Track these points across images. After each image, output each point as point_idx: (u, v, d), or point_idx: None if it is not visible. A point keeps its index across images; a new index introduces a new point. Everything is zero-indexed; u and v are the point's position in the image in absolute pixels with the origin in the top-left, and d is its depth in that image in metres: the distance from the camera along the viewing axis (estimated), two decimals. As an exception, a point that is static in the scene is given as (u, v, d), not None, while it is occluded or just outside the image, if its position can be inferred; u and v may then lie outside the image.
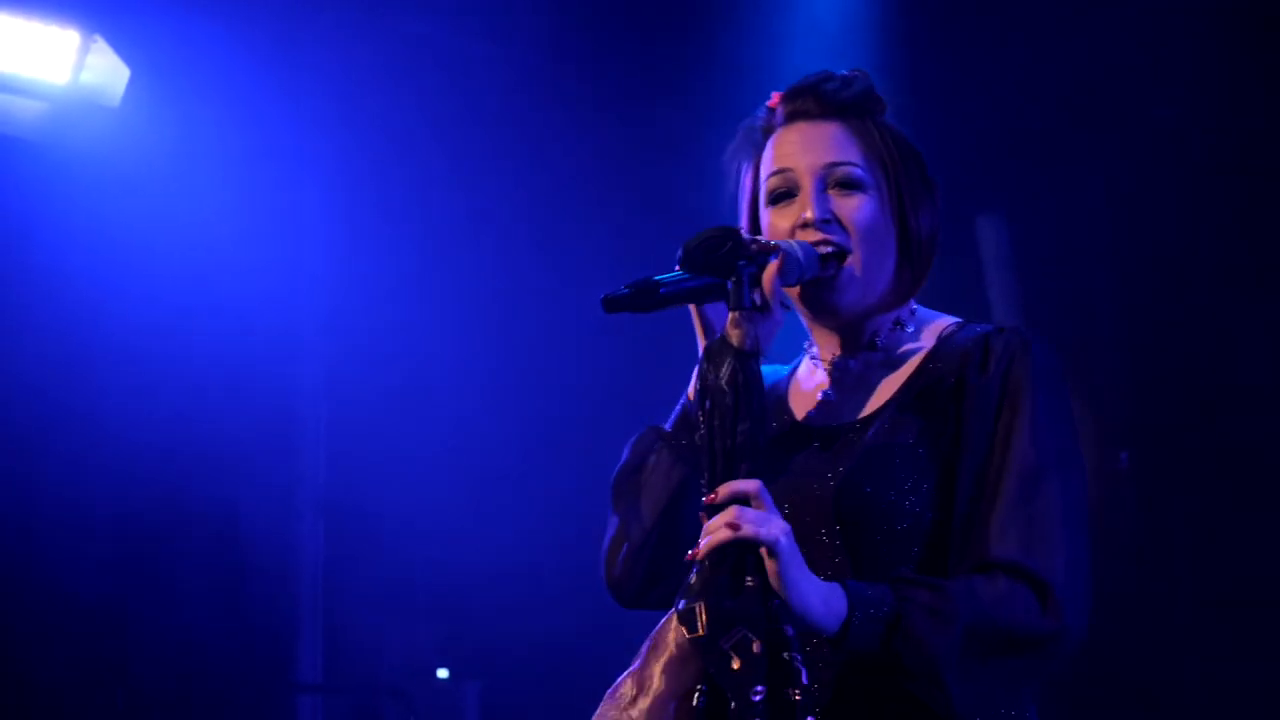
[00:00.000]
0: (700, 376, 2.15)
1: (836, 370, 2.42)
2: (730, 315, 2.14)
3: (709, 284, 2.22)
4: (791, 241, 2.30)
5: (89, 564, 5.93)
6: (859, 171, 2.35)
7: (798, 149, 2.37)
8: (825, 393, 2.42)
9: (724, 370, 2.11)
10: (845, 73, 2.42)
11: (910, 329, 2.41)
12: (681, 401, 2.44)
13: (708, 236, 2.14)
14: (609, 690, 2.20)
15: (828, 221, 2.34)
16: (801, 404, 2.44)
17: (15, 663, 5.87)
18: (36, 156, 5.63)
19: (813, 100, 2.38)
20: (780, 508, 2.17)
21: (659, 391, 6.43)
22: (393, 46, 5.94)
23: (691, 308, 2.29)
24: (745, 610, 2.08)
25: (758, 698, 2.05)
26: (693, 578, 2.12)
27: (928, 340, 2.39)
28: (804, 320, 2.45)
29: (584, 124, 6.15)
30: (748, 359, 2.11)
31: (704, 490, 2.13)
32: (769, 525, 2.09)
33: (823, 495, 2.28)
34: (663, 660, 2.14)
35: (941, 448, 2.27)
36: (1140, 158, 5.98)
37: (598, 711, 2.20)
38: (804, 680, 2.07)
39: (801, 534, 2.17)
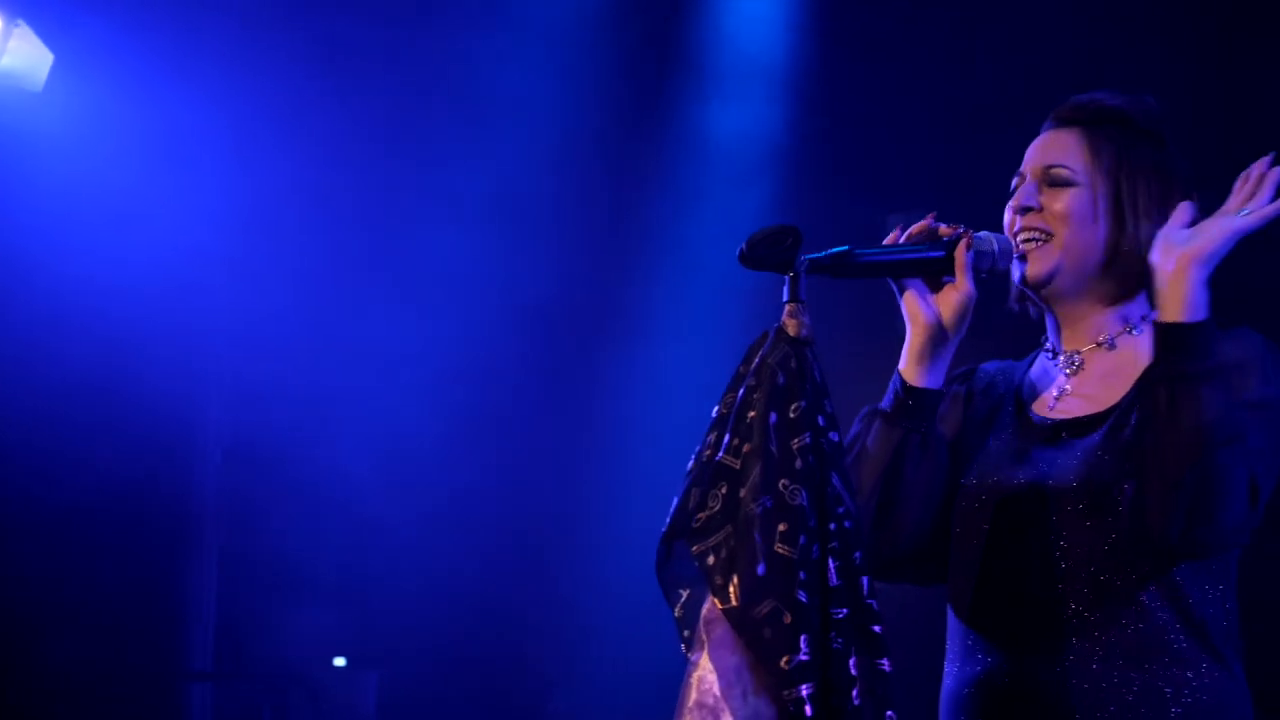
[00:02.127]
0: (749, 356, 2.23)
1: (1068, 365, 2.55)
2: (786, 306, 2.24)
3: (909, 259, 2.44)
4: (987, 232, 2.50)
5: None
6: (1071, 174, 2.51)
7: (1033, 153, 2.57)
8: (1058, 387, 2.55)
9: (776, 354, 2.20)
10: (1128, 94, 2.57)
11: (1141, 333, 2.53)
12: (895, 379, 2.54)
13: (770, 232, 2.25)
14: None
15: (1029, 209, 2.52)
16: (1035, 397, 2.57)
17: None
18: (-43, 138, 5.63)
19: (1066, 109, 2.57)
20: (1018, 496, 2.35)
21: (572, 381, 6.49)
22: (301, 39, 6.01)
23: (894, 284, 2.50)
24: (775, 581, 2.09)
25: (791, 666, 2.07)
26: (720, 550, 2.13)
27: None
28: (1044, 315, 2.60)
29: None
30: (802, 346, 2.21)
31: (701, 452, 2.18)
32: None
33: (1061, 486, 2.42)
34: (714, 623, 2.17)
35: None
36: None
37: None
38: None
39: (1040, 520, 2.34)
